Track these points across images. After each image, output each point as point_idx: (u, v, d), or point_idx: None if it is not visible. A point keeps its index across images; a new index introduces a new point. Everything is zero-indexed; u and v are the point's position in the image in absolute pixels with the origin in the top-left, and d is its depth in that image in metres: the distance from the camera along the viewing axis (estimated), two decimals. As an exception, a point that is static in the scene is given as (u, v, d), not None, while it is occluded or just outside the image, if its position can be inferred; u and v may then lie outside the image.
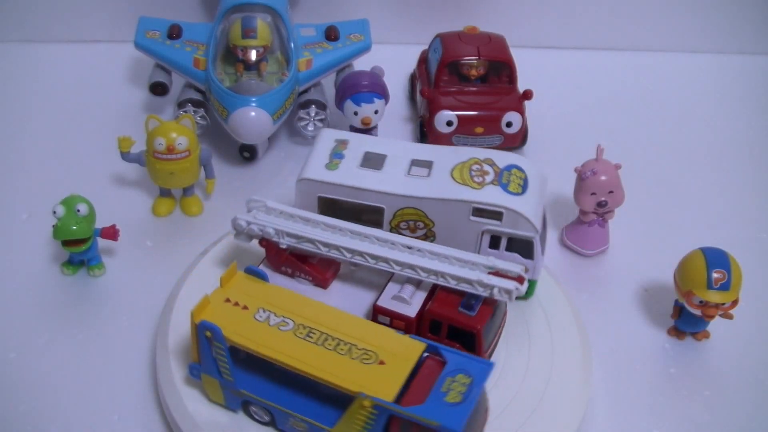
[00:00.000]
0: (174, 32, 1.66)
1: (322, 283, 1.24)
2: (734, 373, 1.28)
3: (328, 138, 1.31)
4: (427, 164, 1.25)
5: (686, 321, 1.29)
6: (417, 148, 1.29)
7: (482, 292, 1.12)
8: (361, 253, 1.17)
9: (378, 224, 1.23)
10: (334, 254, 1.19)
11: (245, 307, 1.08)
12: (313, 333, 1.05)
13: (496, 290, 1.12)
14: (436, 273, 1.14)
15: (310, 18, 1.81)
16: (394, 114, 1.75)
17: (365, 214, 1.24)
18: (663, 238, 1.50)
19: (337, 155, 1.26)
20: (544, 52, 1.98)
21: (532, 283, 1.23)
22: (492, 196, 1.19)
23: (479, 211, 1.20)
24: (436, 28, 1.76)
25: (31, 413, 1.18)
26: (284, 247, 1.21)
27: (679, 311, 1.30)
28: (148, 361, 1.24)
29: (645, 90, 1.90)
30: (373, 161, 1.25)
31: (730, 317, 1.25)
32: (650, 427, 1.20)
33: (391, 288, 1.17)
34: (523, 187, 1.22)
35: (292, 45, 1.61)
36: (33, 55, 1.89)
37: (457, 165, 1.24)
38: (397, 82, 1.82)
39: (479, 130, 1.61)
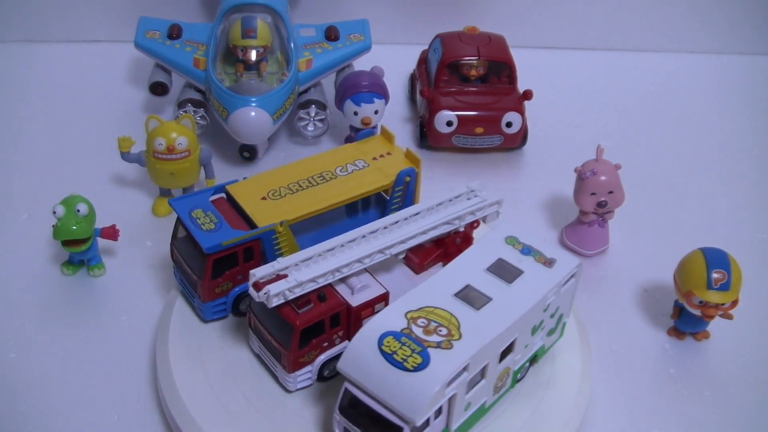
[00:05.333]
0: (174, 32, 1.66)
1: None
2: (734, 373, 1.28)
3: None
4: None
5: (686, 321, 1.29)
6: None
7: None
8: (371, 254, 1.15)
9: None
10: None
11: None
12: (318, 179, 1.24)
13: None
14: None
15: (310, 18, 1.81)
16: (394, 114, 1.75)
17: None
18: (663, 238, 1.50)
19: None
20: (544, 52, 1.98)
21: None
22: None
23: None
24: (436, 28, 1.76)
25: (31, 413, 1.17)
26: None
27: (679, 311, 1.30)
28: (148, 361, 1.24)
29: (645, 90, 1.90)
30: None
31: (730, 317, 1.25)
32: (650, 427, 1.20)
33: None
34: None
35: (292, 45, 1.61)
36: (33, 55, 1.89)
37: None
38: (397, 82, 1.82)
39: (479, 130, 1.61)
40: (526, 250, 1.14)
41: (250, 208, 1.19)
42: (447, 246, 1.24)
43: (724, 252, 1.25)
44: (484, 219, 1.26)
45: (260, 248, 1.17)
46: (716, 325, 1.31)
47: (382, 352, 0.98)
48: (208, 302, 1.18)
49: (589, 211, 1.41)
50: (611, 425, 1.20)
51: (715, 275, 1.22)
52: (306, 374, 1.12)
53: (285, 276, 1.08)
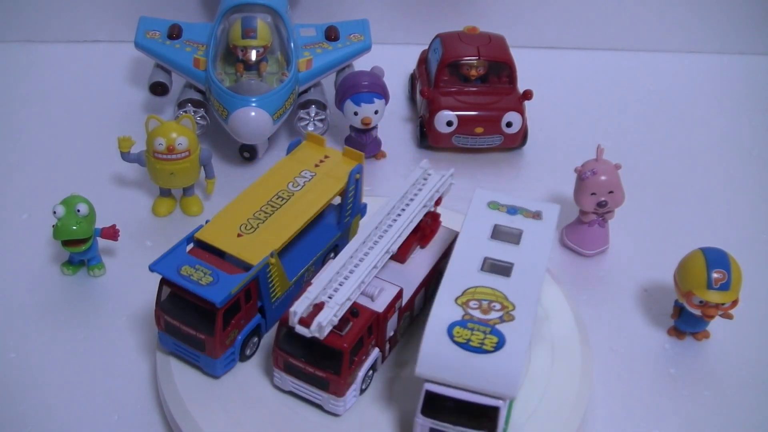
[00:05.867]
0: (174, 32, 1.66)
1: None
2: (734, 373, 1.28)
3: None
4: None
5: (686, 321, 1.29)
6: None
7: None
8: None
9: None
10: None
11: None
12: (278, 200, 1.23)
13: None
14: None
15: (310, 18, 1.82)
16: (394, 114, 1.75)
17: None
18: (663, 238, 1.50)
19: None
20: (544, 52, 1.98)
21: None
22: None
23: None
24: (436, 28, 1.76)
25: (31, 413, 1.17)
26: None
27: (679, 311, 1.30)
28: (148, 360, 1.24)
29: (645, 90, 1.90)
30: None
31: (730, 317, 1.25)
32: (650, 427, 1.20)
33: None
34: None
35: (292, 45, 1.61)
36: (33, 55, 1.89)
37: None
38: (397, 82, 1.82)
39: (479, 130, 1.61)
40: (512, 210, 1.18)
41: (234, 249, 1.15)
42: (422, 229, 1.26)
43: (724, 252, 1.25)
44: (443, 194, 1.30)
45: (257, 285, 1.16)
46: (716, 325, 1.31)
47: (457, 344, 0.99)
48: (220, 357, 1.13)
49: (589, 211, 1.41)
50: (611, 425, 1.20)
51: (715, 275, 1.22)
52: (352, 392, 1.11)
53: (320, 303, 1.06)
